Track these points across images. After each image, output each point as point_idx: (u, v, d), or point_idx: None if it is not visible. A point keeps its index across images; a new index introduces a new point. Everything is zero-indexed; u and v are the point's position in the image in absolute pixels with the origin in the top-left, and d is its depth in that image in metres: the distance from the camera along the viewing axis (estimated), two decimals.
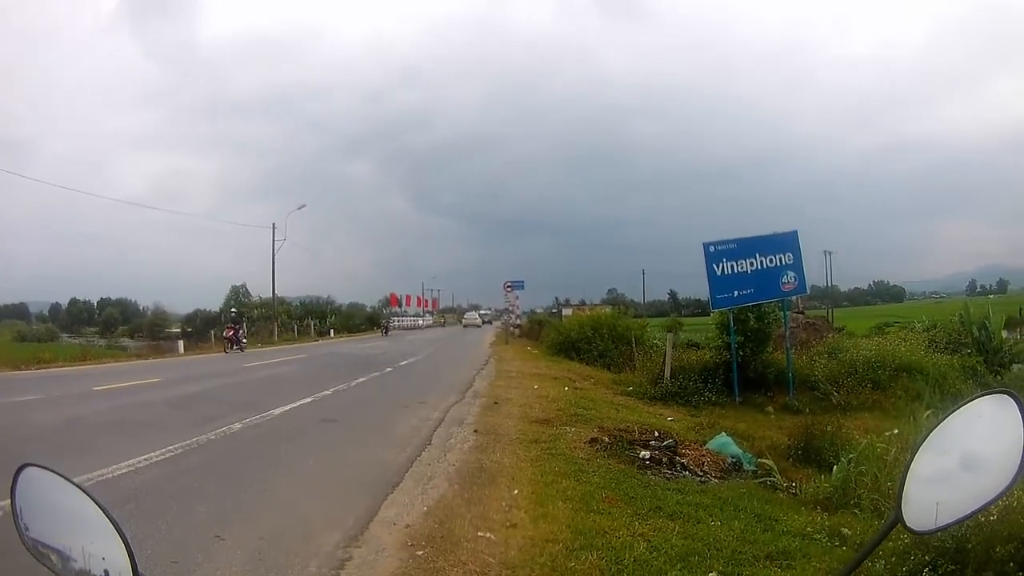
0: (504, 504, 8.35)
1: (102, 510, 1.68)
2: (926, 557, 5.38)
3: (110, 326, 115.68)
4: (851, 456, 9.74)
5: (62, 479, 1.79)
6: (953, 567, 5.31)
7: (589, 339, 35.87)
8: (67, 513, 1.76)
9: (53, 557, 1.75)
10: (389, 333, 74.60)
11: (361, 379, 22.96)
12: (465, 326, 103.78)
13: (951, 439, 1.89)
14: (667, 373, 22.74)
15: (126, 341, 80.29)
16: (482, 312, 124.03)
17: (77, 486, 1.75)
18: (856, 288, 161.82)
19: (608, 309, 57.31)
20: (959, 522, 1.96)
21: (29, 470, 1.83)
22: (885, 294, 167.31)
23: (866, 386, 22.13)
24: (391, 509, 8.23)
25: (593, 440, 12.10)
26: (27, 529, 1.80)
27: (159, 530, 7.19)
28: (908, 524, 1.90)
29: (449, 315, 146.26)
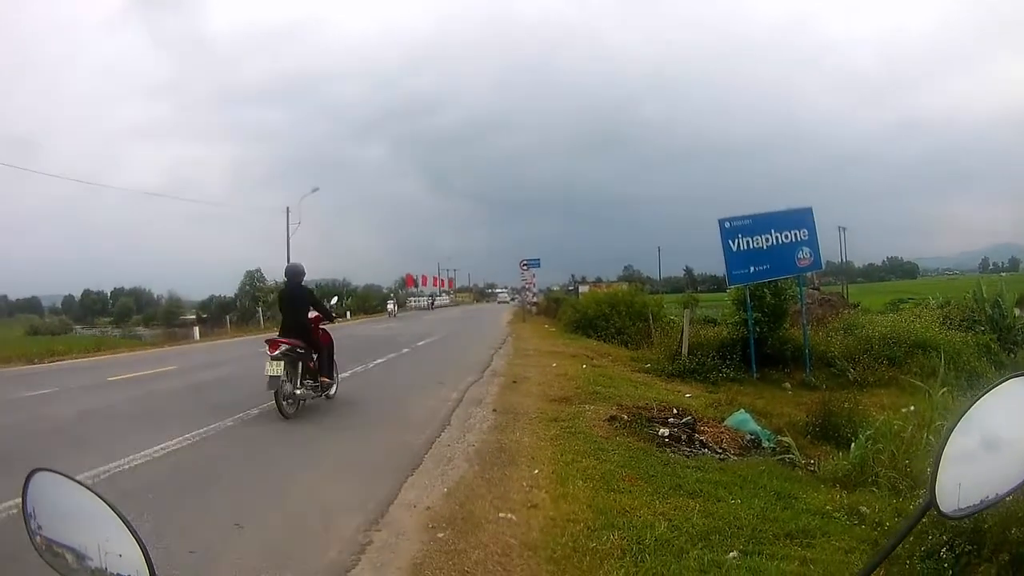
0: (525, 484, 8.37)
1: (114, 510, 1.67)
2: (943, 537, 5.42)
3: (124, 316, 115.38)
4: (868, 433, 9.72)
5: (73, 482, 1.79)
6: (969, 547, 5.34)
7: (606, 316, 35.81)
8: (80, 514, 1.75)
9: (68, 556, 1.74)
10: (397, 316, 72.55)
11: (379, 360, 22.94)
12: (499, 302, 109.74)
13: (982, 421, 1.86)
14: (684, 349, 22.74)
15: (141, 330, 79.20)
16: (501, 291, 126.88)
17: (88, 488, 1.74)
18: (870, 264, 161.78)
19: (625, 286, 57.25)
20: (991, 505, 1.93)
21: (40, 474, 1.83)
22: (899, 270, 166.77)
23: (882, 362, 22.13)
24: (411, 491, 8.24)
25: (612, 418, 12.12)
26: (40, 529, 1.80)
27: (176, 520, 7.22)
28: (941, 509, 1.85)
29: (466, 294, 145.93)
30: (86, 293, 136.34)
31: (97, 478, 8.72)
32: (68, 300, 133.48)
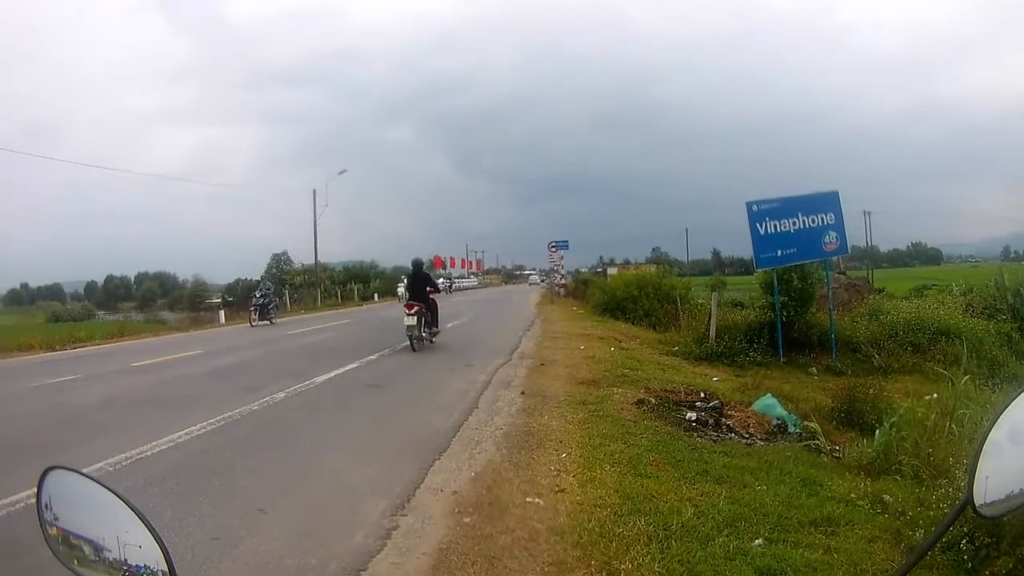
0: (552, 468, 8.38)
1: (128, 505, 1.71)
2: (964, 528, 5.47)
3: (148, 300, 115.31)
4: (892, 421, 9.71)
5: (88, 478, 1.83)
6: (989, 540, 5.38)
7: (634, 298, 35.78)
8: (96, 509, 1.78)
9: (86, 548, 1.77)
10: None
11: (406, 343, 22.79)
12: (530, 284, 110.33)
13: (1021, 421, 1.85)
14: (712, 333, 22.76)
15: (165, 314, 78.30)
16: (531, 272, 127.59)
17: (103, 484, 1.78)
18: (895, 249, 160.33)
19: (653, 268, 56.99)
20: None
21: (55, 472, 1.87)
22: (923, 256, 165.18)
23: (906, 349, 22.13)
24: (438, 475, 8.29)
25: (640, 401, 12.16)
26: (56, 520, 1.83)
27: (200, 506, 7.27)
28: (979, 509, 1.86)
29: (494, 276, 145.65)
30: (109, 279, 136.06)
31: (119, 465, 8.85)
32: (91, 286, 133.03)
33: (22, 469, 8.19)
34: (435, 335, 22.83)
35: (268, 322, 37.05)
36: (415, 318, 21.00)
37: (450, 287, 75.21)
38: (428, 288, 22.71)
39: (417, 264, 23.97)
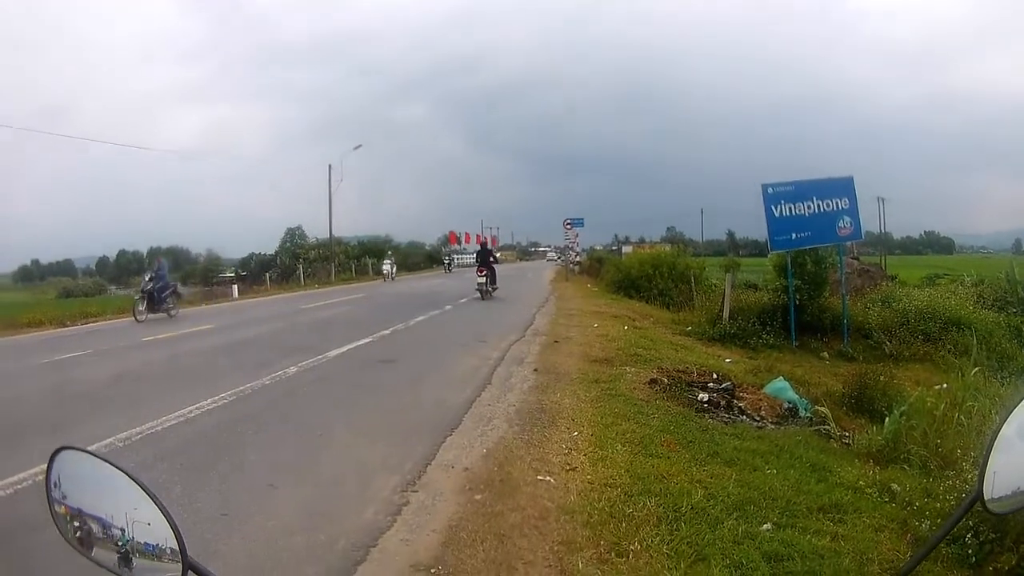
0: (564, 446, 8.40)
1: (139, 484, 1.73)
2: (969, 522, 5.48)
3: None
4: (902, 409, 9.72)
5: (98, 458, 1.84)
6: (993, 535, 5.41)
7: (649, 277, 35.72)
8: (106, 488, 1.80)
9: (94, 526, 1.79)
10: (452, 270, 71.33)
11: (420, 318, 23.08)
12: (547, 260, 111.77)
13: None
14: (726, 314, 22.71)
15: (178, 288, 79.45)
16: (546, 248, 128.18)
17: (113, 464, 1.80)
18: (908, 236, 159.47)
19: (668, 247, 56.93)
20: None
21: (64, 452, 1.88)
22: (936, 245, 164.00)
23: (917, 337, 22.10)
24: (450, 452, 8.32)
25: (653, 381, 12.21)
26: (64, 498, 1.84)
27: (210, 481, 7.35)
28: (988, 504, 1.88)
29: (509, 252, 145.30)
30: (121, 253, 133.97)
31: (128, 440, 8.90)
32: (102, 262, 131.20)
33: (31, 445, 8.25)
34: (495, 290, 33.77)
35: (165, 315, 26.59)
36: (484, 278, 32.55)
37: (449, 266, 74.13)
38: (491, 259, 34.59)
39: (484, 244, 39.65)
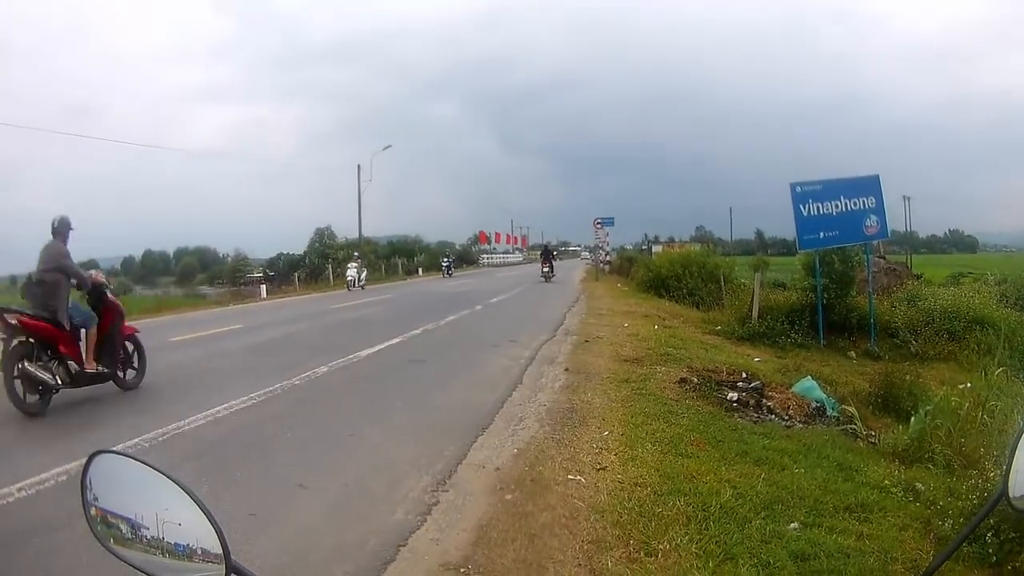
0: (594, 446, 8.46)
1: (180, 486, 1.72)
2: (991, 521, 5.56)
3: (188, 275, 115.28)
4: (928, 408, 9.78)
5: (136, 461, 1.82)
6: (1014, 534, 5.49)
7: (679, 277, 35.64)
8: (140, 488, 1.78)
9: (123, 527, 1.78)
10: (452, 274, 66.05)
11: (451, 318, 23.19)
12: (581, 259, 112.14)
13: None
14: (755, 313, 22.78)
15: (205, 289, 79.28)
16: (577, 248, 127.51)
17: (150, 465, 1.78)
18: (933, 235, 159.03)
19: (697, 247, 56.95)
20: None
21: (101, 456, 1.87)
22: (960, 243, 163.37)
23: (942, 336, 22.05)
24: (480, 452, 8.40)
25: (682, 380, 12.26)
26: (96, 500, 1.83)
27: (238, 481, 7.45)
28: (1014, 503, 1.86)
29: (536, 252, 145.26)
30: (147, 253, 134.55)
31: (156, 440, 8.99)
32: (128, 261, 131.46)
33: (58, 446, 8.45)
34: (552, 278, 48.07)
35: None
36: (548, 268, 49.76)
37: (448, 269, 67.39)
38: (553, 256, 50.17)
39: (547, 244, 56.21)
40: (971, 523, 2.19)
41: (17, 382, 10.32)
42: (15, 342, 10.45)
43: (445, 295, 34.88)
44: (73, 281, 11.30)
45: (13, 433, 9.79)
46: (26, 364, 10.33)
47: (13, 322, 10.35)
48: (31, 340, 10.49)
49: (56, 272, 10.97)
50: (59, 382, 10.70)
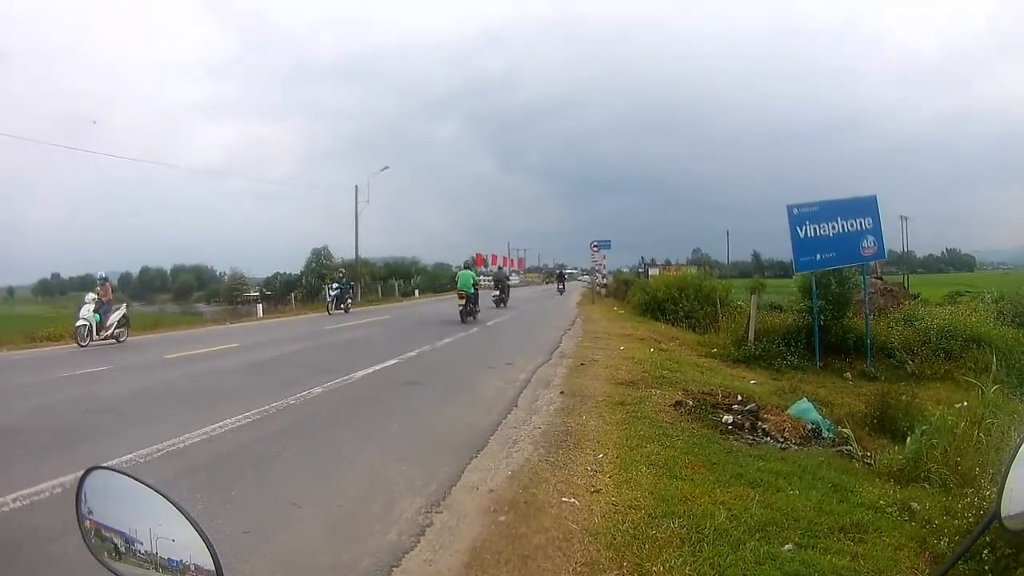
0: (589, 469, 8.43)
1: (170, 501, 1.74)
2: (986, 539, 5.50)
3: (184, 293, 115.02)
4: (924, 428, 9.76)
5: (130, 478, 1.86)
6: (1010, 551, 5.46)
7: (675, 300, 35.82)
8: (134, 504, 1.82)
9: (117, 541, 1.82)
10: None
11: (447, 340, 23.21)
12: (579, 280, 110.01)
13: None
14: (751, 335, 22.88)
15: (201, 307, 79.42)
16: (570, 271, 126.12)
17: (144, 482, 1.81)
18: (930, 255, 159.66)
19: (694, 269, 57.24)
20: None
21: (96, 472, 1.92)
22: (958, 262, 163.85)
23: (939, 355, 22.16)
24: (475, 474, 8.37)
25: (678, 403, 12.24)
26: (91, 514, 1.88)
27: (232, 500, 7.42)
28: (1005, 522, 1.88)
29: (535, 275, 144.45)
30: (144, 270, 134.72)
31: (150, 457, 8.99)
32: (125, 277, 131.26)
33: (50, 459, 8.45)
34: (564, 292, 56.56)
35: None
36: (561, 286, 64.97)
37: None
38: (566, 276, 64.22)
39: (560, 267, 70.03)
40: (964, 543, 2.18)
41: None
42: None
43: (441, 317, 34.87)
44: None
45: (9, 444, 9.85)
46: None
47: None
48: None
49: None
50: None
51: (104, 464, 1.94)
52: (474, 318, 31.68)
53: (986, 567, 5.52)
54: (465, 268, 33.73)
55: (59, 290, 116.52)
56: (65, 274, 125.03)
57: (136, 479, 1.83)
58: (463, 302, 31.25)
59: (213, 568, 1.71)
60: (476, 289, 32.41)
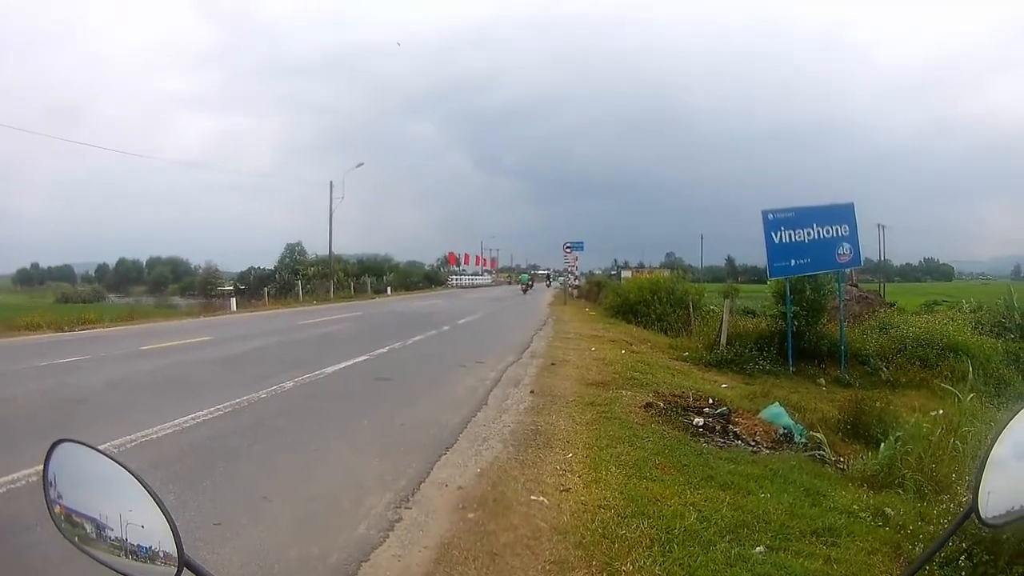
0: (558, 468, 8.40)
1: (140, 481, 1.70)
2: (963, 545, 5.49)
3: (160, 285, 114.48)
4: (898, 435, 9.73)
5: (97, 452, 1.81)
6: (987, 556, 5.41)
7: (647, 302, 35.90)
8: (103, 485, 1.77)
9: (87, 526, 1.75)
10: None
11: (418, 337, 23.19)
12: (548, 284, 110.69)
13: None
14: (723, 340, 22.82)
15: (177, 300, 78.48)
16: (542, 272, 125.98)
17: (113, 459, 1.77)
18: (908, 264, 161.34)
19: (667, 273, 57.47)
20: None
21: (63, 445, 1.86)
22: (935, 272, 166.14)
23: (914, 363, 22.22)
24: (444, 470, 8.33)
25: (648, 405, 12.20)
26: (60, 498, 1.82)
27: (203, 491, 7.34)
28: (983, 517, 1.86)
29: (507, 275, 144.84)
30: (120, 262, 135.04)
31: (123, 447, 8.92)
32: (102, 268, 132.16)
33: (24, 447, 8.26)
34: (531, 290, 57.07)
35: None
36: (546, 283, 79.55)
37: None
38: (550, 275, 64.46)
39: (533, 267, 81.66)
40: (940, 538, 2.11)
41: None
42: None
43: (413, 315, 34.89)
44: None
45: None
46: None
47: None
48: None
49: None
50: None
51: (71, 437, 1.86)
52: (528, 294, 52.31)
53: (963, 573, 5.46)
54: (523, 273, 52.82)
55: (38, 280, 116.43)
56: (44, 264, 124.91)
57: (103, 453, 1.79)
58: (523, 287, 62.98)
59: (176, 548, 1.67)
60: (531, 283, 59.25)
